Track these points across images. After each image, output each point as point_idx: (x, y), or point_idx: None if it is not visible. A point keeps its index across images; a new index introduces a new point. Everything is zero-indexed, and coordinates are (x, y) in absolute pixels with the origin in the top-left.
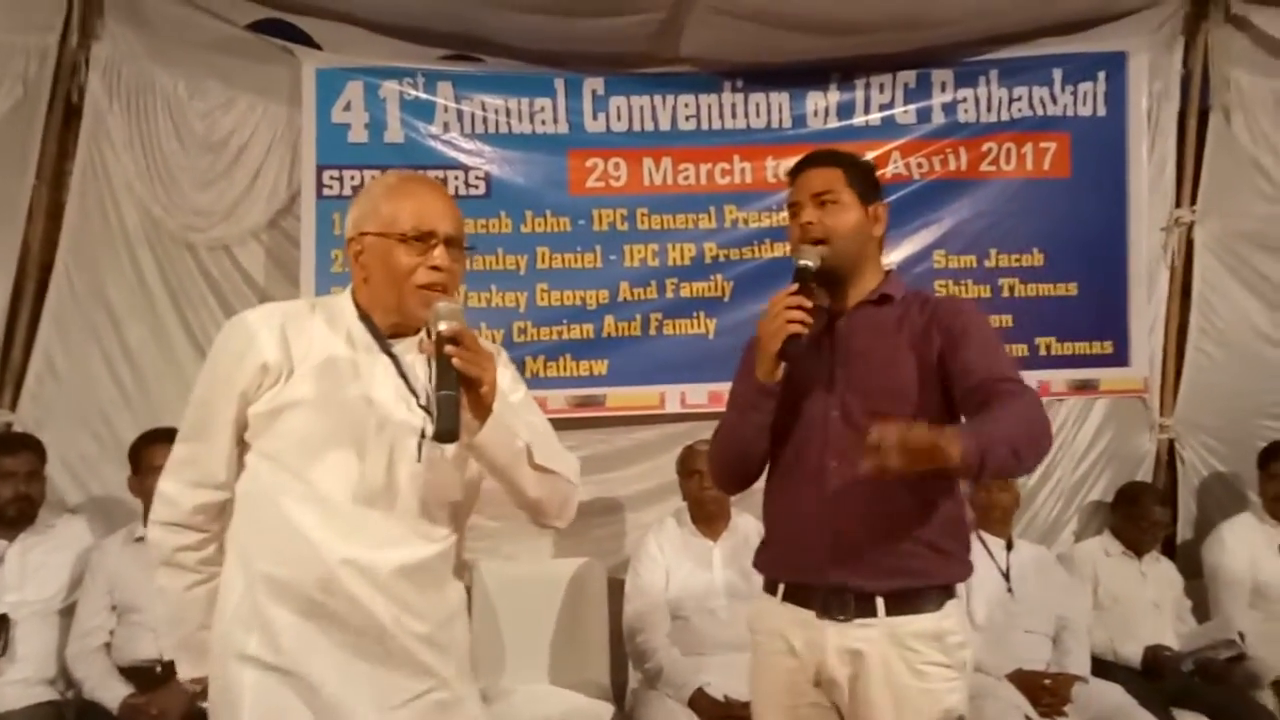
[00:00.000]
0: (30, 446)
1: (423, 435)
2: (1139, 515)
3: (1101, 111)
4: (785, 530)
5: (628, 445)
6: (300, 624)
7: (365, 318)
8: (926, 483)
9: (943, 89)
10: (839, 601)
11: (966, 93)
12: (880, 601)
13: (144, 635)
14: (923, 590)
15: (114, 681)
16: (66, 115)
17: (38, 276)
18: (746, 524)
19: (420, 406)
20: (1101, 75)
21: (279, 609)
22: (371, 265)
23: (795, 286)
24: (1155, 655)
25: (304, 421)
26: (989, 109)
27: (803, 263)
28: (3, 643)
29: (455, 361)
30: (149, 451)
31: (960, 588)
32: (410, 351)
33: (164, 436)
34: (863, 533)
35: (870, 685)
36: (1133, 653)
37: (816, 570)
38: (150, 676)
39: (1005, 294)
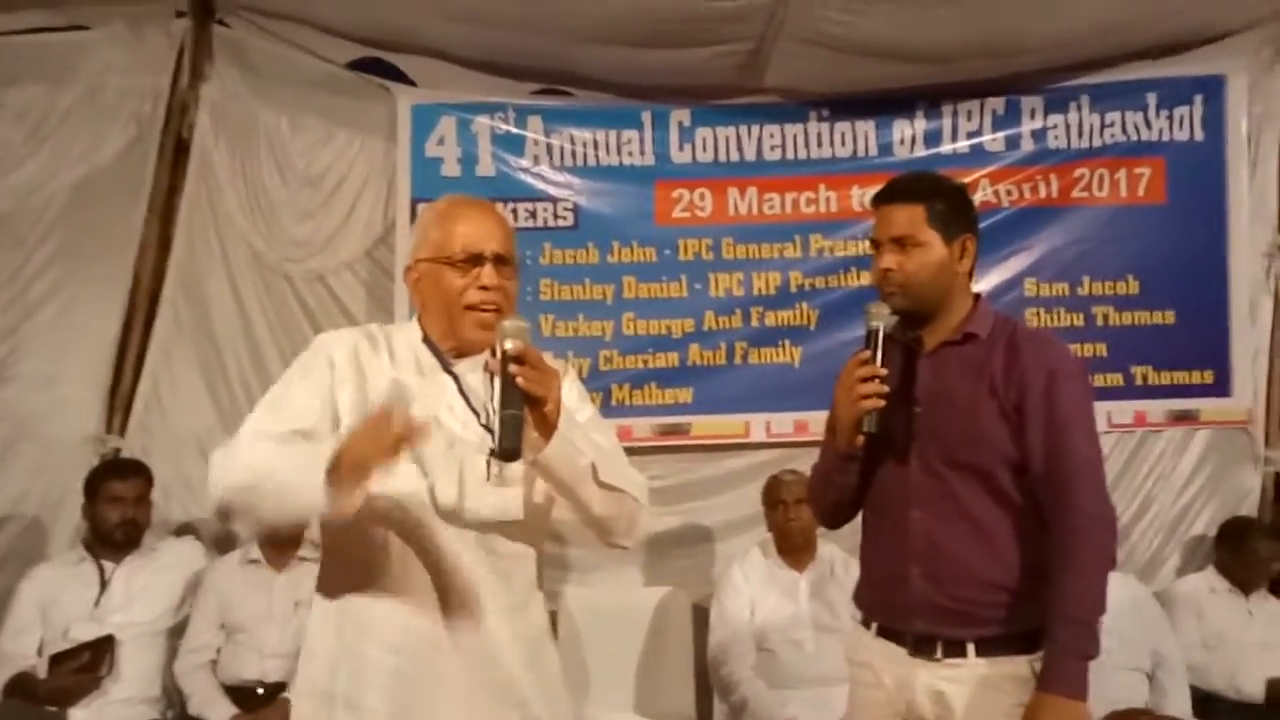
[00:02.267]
0: (140, 472)
1: (491, 453)
2: (1246, 552)
3: (1199, 136)
4: (875, 575)
5: (713, 474)
6: (389, 658)
7: (427, 340)
8: (1011, 531)
9: (1032, 115)
10: (928, 645)
11: (1057, 119)
12: (971, 646)
13: (249, 656)
14: (1011, 636)
15: (219, 699)
16: (176, 152)
17: (146, 307)
18: (832, 554)
19: (482, 425)
20: (1198, 99)
21: (369, 645)
22: (426, 291)
23: (867, 354)
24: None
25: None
26: (1080, 135)
27: (873, 324)
28: (109, 663)
29: (519, 380)
30: None
31: None
32: (472, 371)
33: None
34: (946, 586)
35: None
36: (1250, 689)
37: (903, 619)
38: (252, 697)
39: (1100, 322)
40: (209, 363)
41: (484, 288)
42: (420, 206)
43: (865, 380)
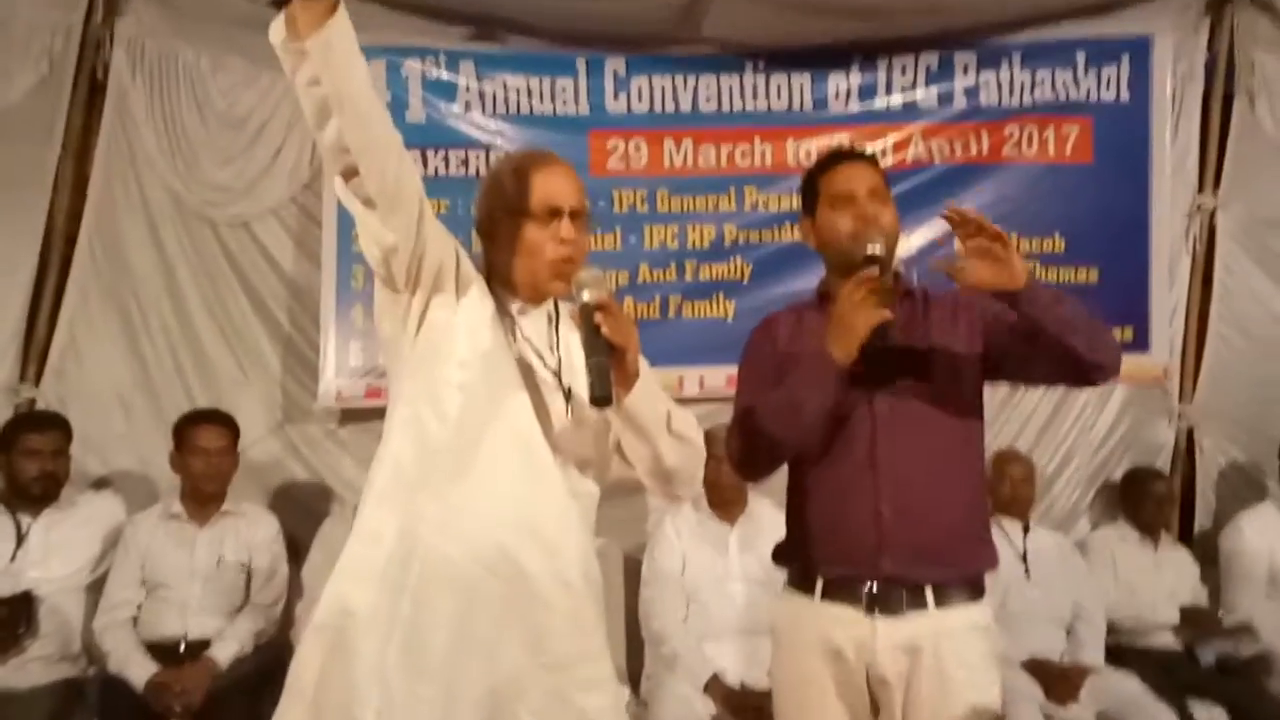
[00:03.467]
0: (58, 425)
1: (567, 395)
2: (1142, 495)
3: (1125, 96)
4: (828, 522)
5: None
6: (471, 566)
7: (494, 293)
8: (969, 469)
9: (965, 72)
10: (890, 595)
11: (989, 75)
12: (929, 593)
13: (171, 612)
14: (966, 580)
15: (140, 657)
16: (91, 90)
17: (62, 250)
18: (763, 508)
19: (549, 369)
20: (1125, 59)
21: (453, 546)
22: (502, 241)
23: (875, 271)
24: (1203, 617)
25: (466, 360)
26: (1011, 92)
27: (872, 249)
28: (27, 620)
29: (604, 329)
30: (194, 431)
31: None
32: (531, 320)
33: (211, 418)
34: (914, 522)
35: (923, 680)
36: (1159, 638)
37: (867, 562)
38: (174, 654)
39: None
40: (128, 310)
41: (563, 241)
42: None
43: (877, 293)
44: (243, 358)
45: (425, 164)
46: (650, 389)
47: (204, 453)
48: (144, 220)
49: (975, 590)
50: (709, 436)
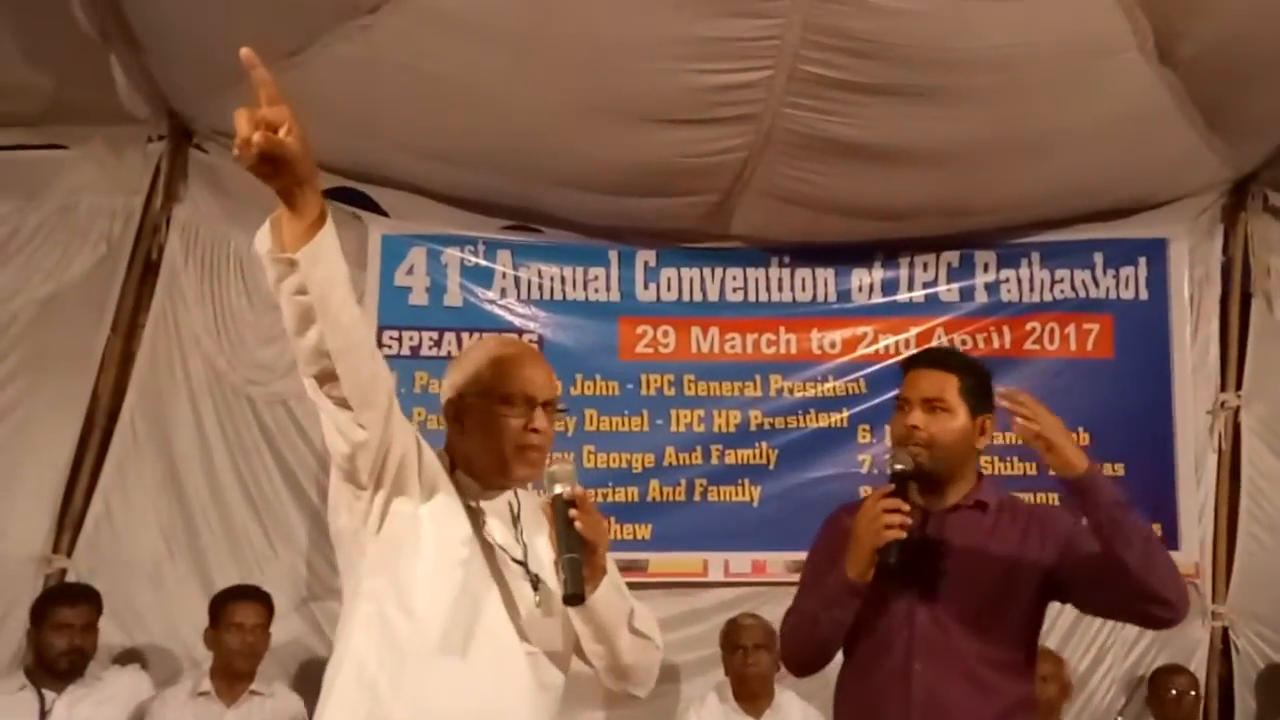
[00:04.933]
0: (88, 598)
1: (534, 585)
2: (1164, 693)
3: (1144, 295)
4: None
5: (671, 613)
6: None
7: (453, 472)
8: (1010, 688)
9: (985, 269)
10: None
11: (1009, 273)
12: None
13: None
14: None
15: None
16: (145, 271)
17: (104, 425)
18: (790, 702)
19: (515, 560)
20: (1143, 260)
21: None
22: (471, 425)
23: (892, 488)
24: None
25: (432, 554)
26: (1032, 289)
27: (899, 467)
28: None
29: (578, 525)
30: (232, 607)
31: None
32: (493, 509)
33: (249, 594)
34: None
35: None
36: None
37: None
38: None
39: (1051, 472)
40: (164, 483)
41: (535, 430)
42: (386, 334)
43: (889, 511)
44: (272, 533)
45: (460, 345)
46: (615, 585)
47: (240, 629)
48: (186, 396)
49: None
50: (733, 628)
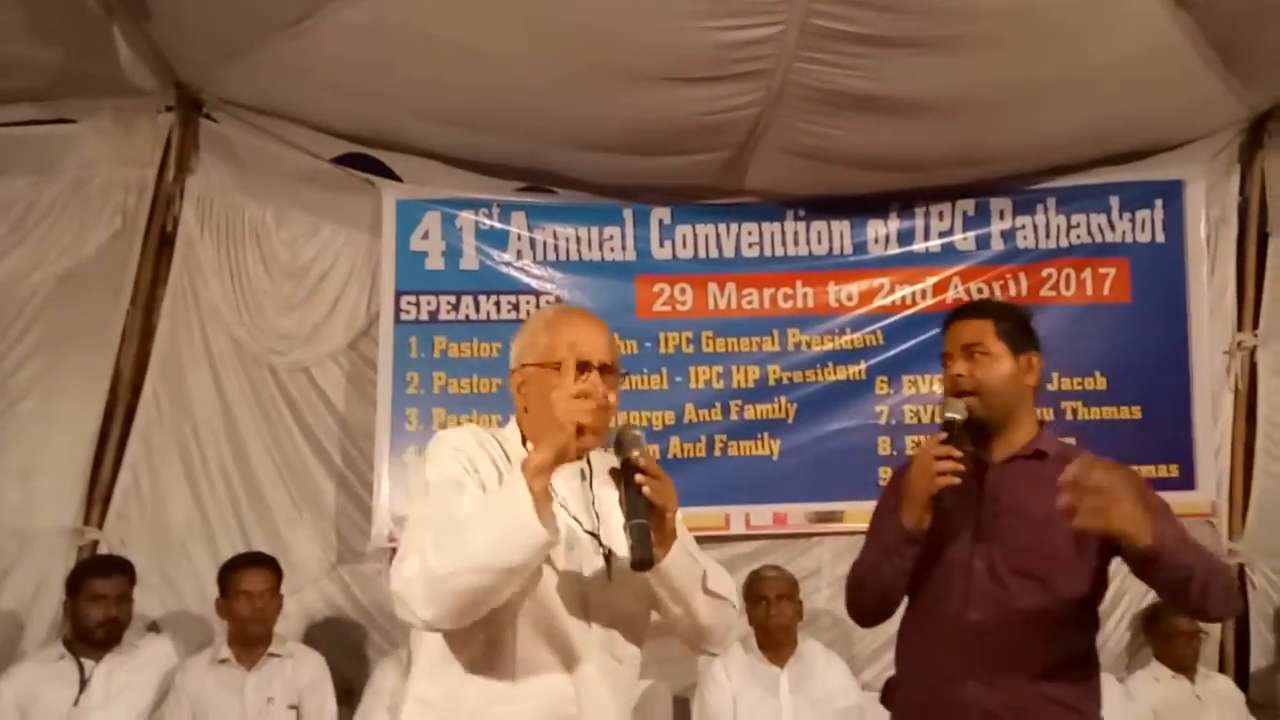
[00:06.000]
0: (122, 569)
1: (607, 557)
2: (1167, 632)
3: (1160, 238)
4: (920, 677)
5: None
6: None
7: (526, 444)
8: (1064, 640)
9: (1001, 216)
10: None
11: (1025, 220)
12: None
13: None
14: None
15: None
16: (161, 244)
17: (127, 399)
18: (813, 651)
19: (587, 531)
20: (1159, 202)
21: None
22: (531, 396)
23: (945, 436)
24: None
25: None
26: (1048, 235)
27: (949, 415)
28: None
29: (646, 490)
30: (238, 575)
31: None
32: (564, 478)
33: (254, 561)
34: (999, 689)
35: None
36: None
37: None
38: None
39: (1069, 417)
40: (189, 453)
41: (591, 396)
42: (404, 299)
43: (941, 459)
44: (299, 499)
45: (478, 308)
46: (687, 548)
47: (248, 596)
48: (207, 367)
49: None
50: (755, 580)
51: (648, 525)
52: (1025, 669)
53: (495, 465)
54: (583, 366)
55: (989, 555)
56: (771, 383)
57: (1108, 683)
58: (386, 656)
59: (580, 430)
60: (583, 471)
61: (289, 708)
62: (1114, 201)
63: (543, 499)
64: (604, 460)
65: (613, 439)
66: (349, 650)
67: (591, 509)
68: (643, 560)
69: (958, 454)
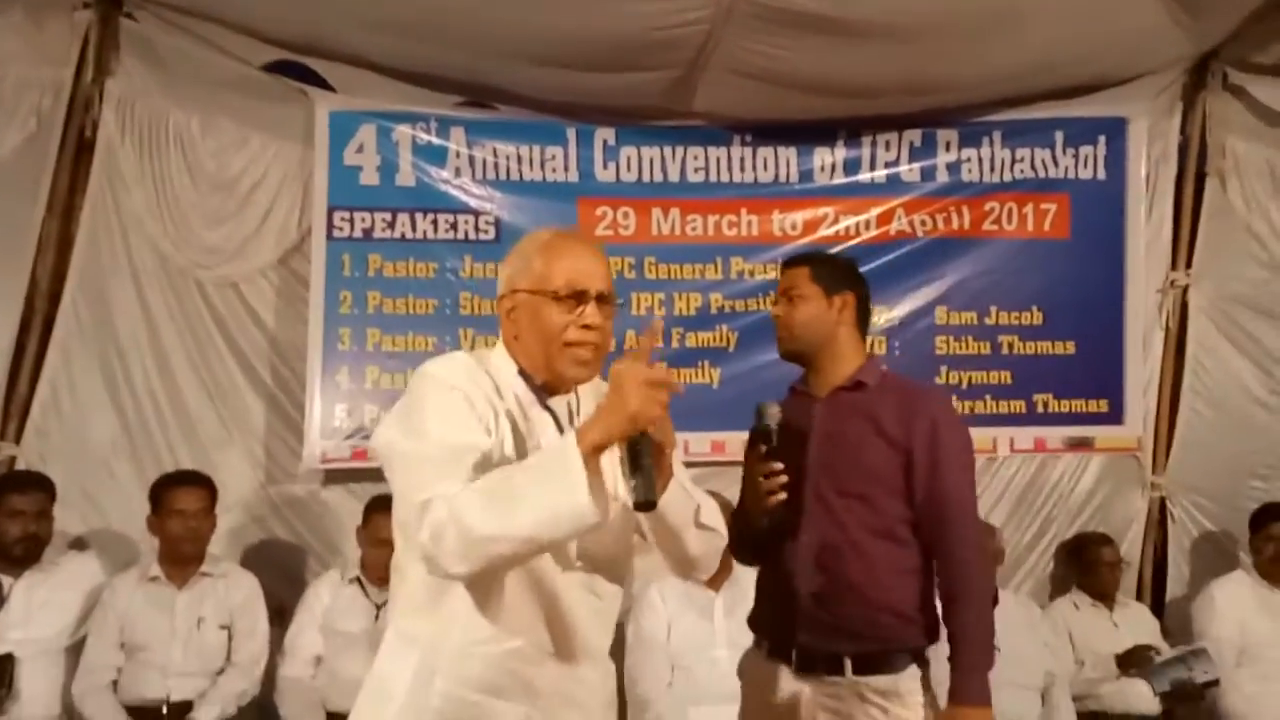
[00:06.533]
0: (42, 485)
1: (636, 505)
2: (1090, 561)
3: (1101, 174)
4: (766, 595)
5: None
6: (490, 702)
7: (524, 374)
8: (888, 556)
9: (947, 148)
10: (810, 661)
11: (970, 152)
12: (848, 662)
13: (152, 675)
14: (883, 654)
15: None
16: (79, 149)
17: (45, 310)
18: (748, 576)
19: None
20: (1102, 139)
21: (465, 689)
22: (523, 322)
23: (763, 450)
24: (1138, 653)
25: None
26: (992, 169)
27: (764, 424)
28: (8, 682)
29: (650, 429)
30: (172, 493)
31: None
32: (560, 413)
33: (188, 479)
34: (829, 603)
35: None
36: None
37: (790, 635)
38: (156, 717)
39: (1005, 351)
40: (112, 369)
41: (586, 326)
42: (337, 215)
43: (768, 477)
44: (227, 418)
45: (414, 227)
46: (682, 484)
47: (181, 515)
48: (130, 280)
49: (901, 662)
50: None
51: (653, 466)
52: (858, 583)
53: (490, 404)
54: (580, 296)
55: (816, 483)
56: (713, 310)
57: (1029, 607)
58: (318, 577)
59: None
60: (569, 405)
61: (220, 628)
62: (1058, 136)
63: (595, 479)
64: (591, 390)
65: (612, 375)
66: (279, 571)
67: None
68: (648, 503)
69: (779, 467)
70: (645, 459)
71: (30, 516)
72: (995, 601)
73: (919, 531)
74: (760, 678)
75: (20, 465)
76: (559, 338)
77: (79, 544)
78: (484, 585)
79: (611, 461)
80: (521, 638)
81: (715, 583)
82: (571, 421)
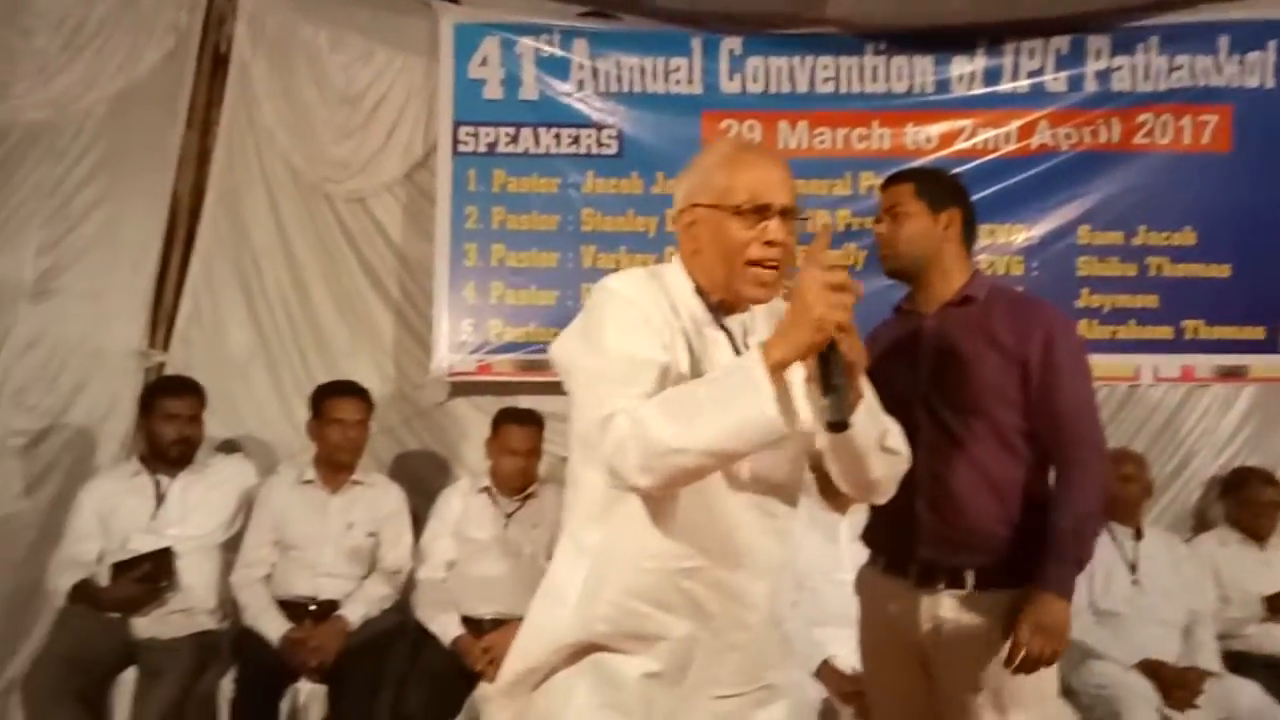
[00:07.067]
0: (193, 390)
1: (828, 426)
2: (1247, 499)
3: (1270, 83)
4: (882, 512)
5: None
6: (661, 615)
7: (700, 292)
8: (1007, 469)
9: (1097, 56)
10: (930, 575)
11: (1123, 60)
12: (969, 575)
13: (302, 573)
14: (1005, 568)
15: (275, 613)
16: (215, 64)
17: (187, 223)
18: None
19: None
20: (1272, 44)
21: (637, 602)
22: (703, 238)
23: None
24: None
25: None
26: (1146, 78)
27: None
28: (169, 574)
29: (843, 347)
30: (333, 402)
31: None
32: (739, 328)
33: (350, 390)
34: (948, 516)
35: (956, 651)
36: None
37: (908, 550)
38: (305, 612)
39: (1152, 273)
40: (248, 281)
41: (770, 243)
42: (462, 130)
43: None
44: (357, 330)
45: (537, 142)
46: (869, 407)
47: (340, 424)
48: (264, 194)
49: (1018, 578)
50: None
51: (844, 386)
52: (978, 497)
53: (666, 320)
54: (763, 210)
55: (927, 402)
56: (841, 228)
57: (1171, 542)
58: (449, 486)
59: (835, 329)
60: (744, 324)
61: (368, 534)
62: (1222, 42)
63: (781, 391)
64: (766, 311)
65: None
66: (406, 480)
67: None
68: (841, 423)
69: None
70: (838, 378)
71: (184, 420)
72: (1139, 535)
73: (1036, 442)
74: (878, 592)
75: (168, 372)
76: (741, 255)
77: (225, 448)
78: (657, 500)
79: (791, 380)
80: (693, 558)
81: (842, 506)
82: (746, 342)
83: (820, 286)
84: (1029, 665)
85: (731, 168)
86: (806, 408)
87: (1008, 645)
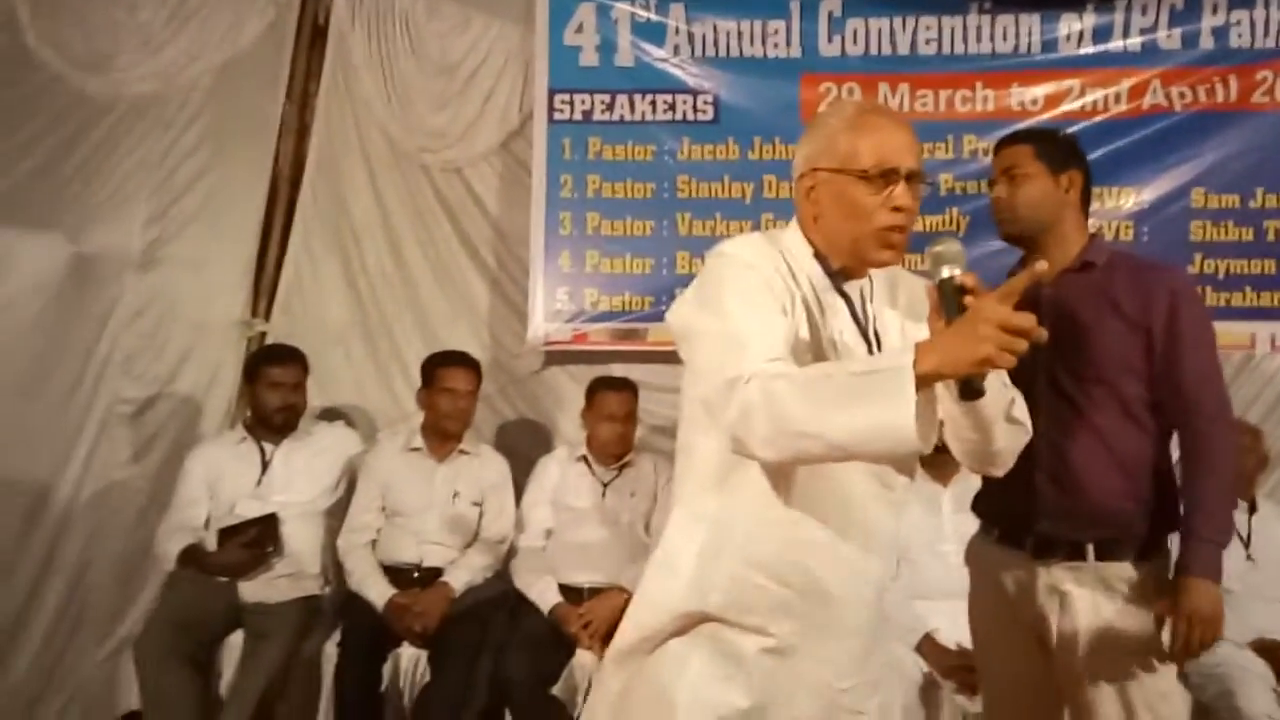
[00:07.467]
0: (297, 359)
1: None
2: None
3: None
4: (998, 483)
5: None
6: (777, 589)
7: (819, 257)
8: (1131, 441)
9: (1214, 11)
10: (1049, 547)
11: (1241, 15)
12: (1090, 548)
13: (407, 539)
14: (1127, 540)
15: (379, 578)
16: (314, 35)
17: (287, 194)
18: None
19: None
20: None
21: (756, 574)
22: (825, 203)
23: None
24: None
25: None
26: (1266, 34)
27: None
28: (274, 539)
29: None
30: (445, 372)
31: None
32: (855, 298)
33: (460, 360)
34: (1069, 489)
35: (1076, 621)
36: None
37: (1026, 522)
38: (409, 579)
39: (1270, 237)
40: (347, 251)
41: (896, 208)
42: (558, 98)
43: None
44: (454, 299)
45: (633, 108)
46: (999, 375)
47: (451, 394)
48: (363, 165)
49: (1140, 550)
50: None
51: None
52: (1100, 469)
53: (786, 285)
54: (889, 175)
55: (1049, 369)
56: (943, 193)
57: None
58: (545, 454)
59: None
60: (862, 290)
61: (473, 504)
62: None
63: (925, 404)
64: (884, 276)
65: (929, 255)
66: (503, 448)
67: (872, 331)
68: (977, 390)
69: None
70: None
71: (288, 388)
72: (1253, 508)
73: (1160, 413)
74: (992, 563)
75: (269, 341)
76: (867, 220)
77: (324, 416)
78: (777, 467)
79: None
80: (811, 529)
81: (944, 476)
82: (865, 308)
83: (1000, 321)
84: (1190, 655)
85: (857, 131)
86: (941, 410)
87: (1136, 627)
